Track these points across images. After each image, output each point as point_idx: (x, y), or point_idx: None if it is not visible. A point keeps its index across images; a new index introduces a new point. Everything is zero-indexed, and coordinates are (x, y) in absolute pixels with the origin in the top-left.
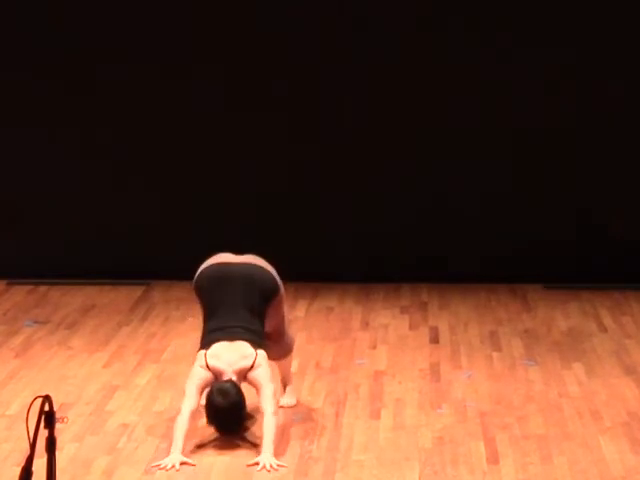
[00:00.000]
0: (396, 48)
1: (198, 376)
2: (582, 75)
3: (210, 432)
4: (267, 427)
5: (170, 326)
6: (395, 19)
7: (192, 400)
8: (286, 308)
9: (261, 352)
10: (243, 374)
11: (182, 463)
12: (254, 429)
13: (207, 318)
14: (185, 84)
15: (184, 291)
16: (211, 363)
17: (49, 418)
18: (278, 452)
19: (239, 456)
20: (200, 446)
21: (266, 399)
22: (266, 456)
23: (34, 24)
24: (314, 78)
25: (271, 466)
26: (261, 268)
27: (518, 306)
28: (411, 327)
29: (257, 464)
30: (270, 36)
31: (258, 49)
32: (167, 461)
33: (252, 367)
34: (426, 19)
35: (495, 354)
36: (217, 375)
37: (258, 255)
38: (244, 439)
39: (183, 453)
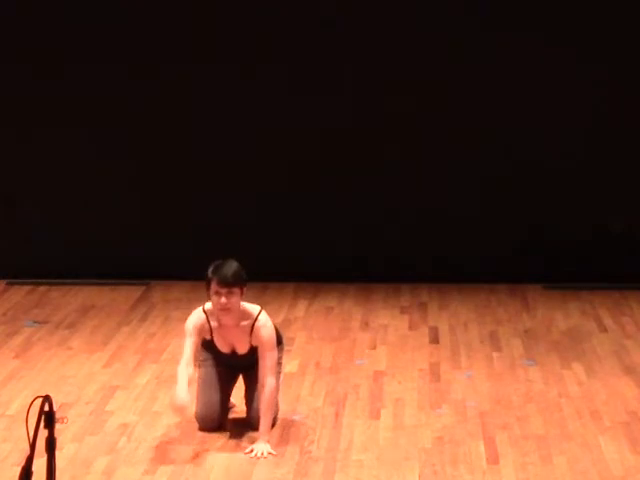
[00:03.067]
0: (397, 48)
1: (194, 324)
2: (582, 75)
3: (210, 435)
4: (265, 407)
5: (170, 326)
6: (395, 19)
7: (189, 362)
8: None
9: (263, 311)
10: (247, 328)
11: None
12: (252, 430)
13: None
14: (186, 84)
15: (184, 291)
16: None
17: (49, 418)
18: (278, 453)
19: (239, 456)
20: (200, 446)
21: (267, 369)
22: (261, 444)
23: (35, 26)
24: (313, 77)
25: (262, 454)
26: None
27: (518, 306)
28: (411, 327)
29: (252, 451)
30: (270, 33)
31: (259, 46)
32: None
33: (256, 320)
34: (426, 18)
35: (495, 354)
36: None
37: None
38: (243, 439)
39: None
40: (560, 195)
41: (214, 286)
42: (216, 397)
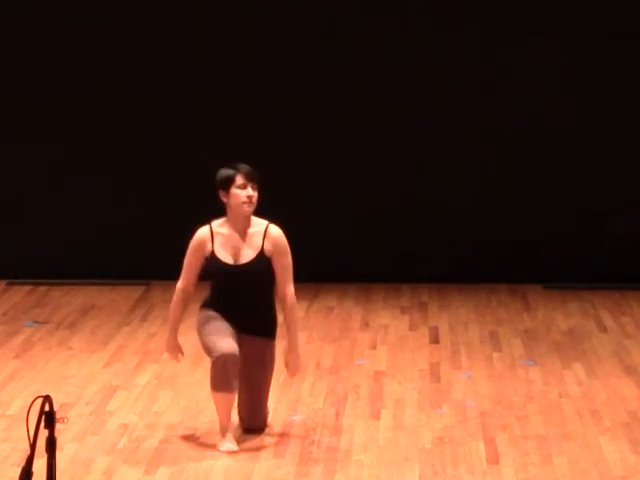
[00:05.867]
0: (397, 48)
1: (193, 243)
2: (582, 74)
3: (210, 435)
4: (291, 317)
5: None
6: (393, 20)
7: (185, 280)
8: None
9: None
10: (258, 233)
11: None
12: (252, 430)
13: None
14: (185, 85)
15: None
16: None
17: (49, 418)
18: (278, 453)
19: (239, 456)
20: (200, 446)
21: (286, 279)
22: (296, 358)
23: (34, 27)
24: (313, 78)
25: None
26: None
27: (518, 306)
28: (411, 327)
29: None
30: (260, 36)
31: (254, 48)
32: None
33: (267, 226)
34: (425, 18)
35: (495, 354)
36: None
37: None
38: (243, 439)
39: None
40: (560, 196)
41: (240, 180)
42: (233, 340)
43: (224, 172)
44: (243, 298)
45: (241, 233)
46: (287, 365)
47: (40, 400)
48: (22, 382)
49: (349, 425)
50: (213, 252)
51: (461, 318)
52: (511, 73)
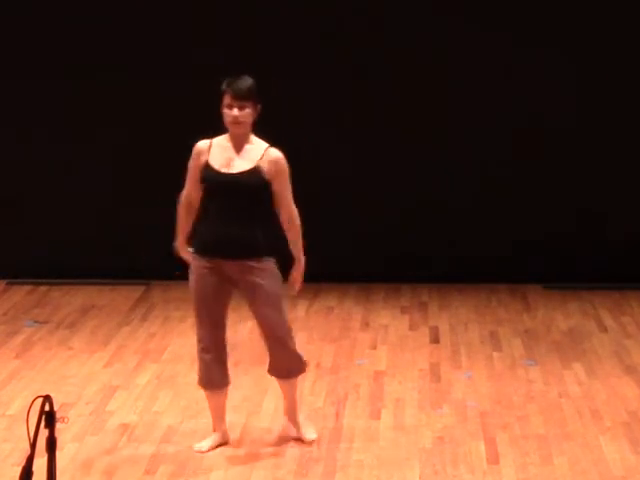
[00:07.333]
0: (397, 48)
1: (195, 150)
2: (582, 74)
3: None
4: (296, 237)
5: (170, 326)
6: (393, 20)
7: (188, 187)
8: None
9: None
10: (255, 151)
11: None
12: (252, 430)
13: None
14: (185, 85)
15: (184, 291)
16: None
17: (49, 418)
18: (278, 453)
19: (239, 456)
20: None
21: (289, 199)
22: (300, 270)
23: (35, 25)
24: (313, 78)
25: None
26: None
27: (518, 306)
28: (411, 327)
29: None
30: (260, 36)
31: (253, 48)
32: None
33: (267, 147)
34: (425, 18)
35: (495, 354)
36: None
37: None
38: (243, 439)
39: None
40: (560, 196)
41: (227, 99)
42: (215, 332)
43: (225, 82)
44: (232, 212)
45: (238, 147)
46: (291, 280)
47: (40, 400)
48: (22, 382)
49: (349, 425)
50: (207, 161)
51: (461, 318)
52: (511, 73)
